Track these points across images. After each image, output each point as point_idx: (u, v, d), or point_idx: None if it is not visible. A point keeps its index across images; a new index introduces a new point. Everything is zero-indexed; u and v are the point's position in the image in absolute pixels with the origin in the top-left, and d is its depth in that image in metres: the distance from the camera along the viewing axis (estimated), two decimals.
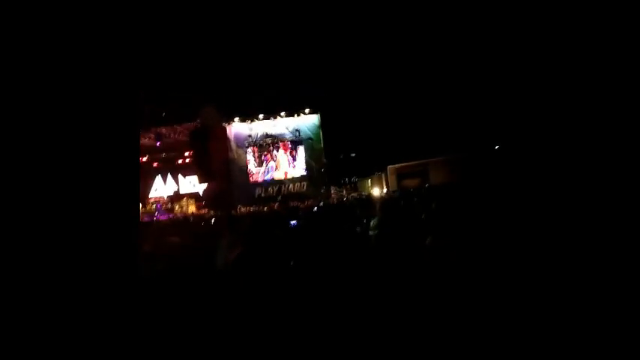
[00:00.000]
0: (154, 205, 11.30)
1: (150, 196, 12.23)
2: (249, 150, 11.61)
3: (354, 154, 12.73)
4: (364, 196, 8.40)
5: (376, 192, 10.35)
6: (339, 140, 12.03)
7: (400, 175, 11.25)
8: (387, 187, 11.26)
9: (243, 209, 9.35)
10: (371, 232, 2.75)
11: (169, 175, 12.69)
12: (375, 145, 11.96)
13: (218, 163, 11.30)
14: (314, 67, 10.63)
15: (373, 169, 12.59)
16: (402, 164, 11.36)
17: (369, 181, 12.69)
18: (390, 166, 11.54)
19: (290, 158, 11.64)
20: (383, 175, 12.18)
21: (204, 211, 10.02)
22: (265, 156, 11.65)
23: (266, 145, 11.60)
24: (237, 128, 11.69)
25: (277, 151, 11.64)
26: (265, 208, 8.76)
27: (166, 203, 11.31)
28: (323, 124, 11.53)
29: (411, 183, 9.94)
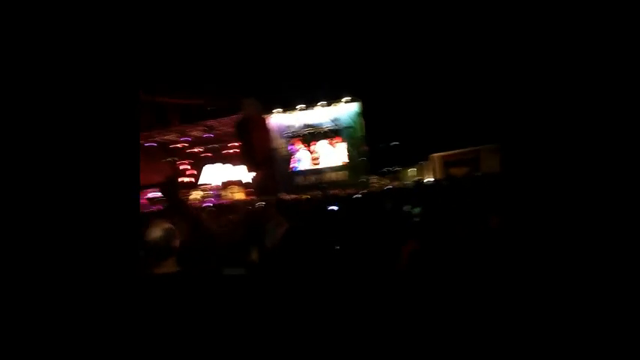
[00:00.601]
0: (205, 192, 12.24)
1: (200, 183, 13.28)
2: (290, 140, 11.89)
3: (396, 143, 12.30)
4: (409, 184, 8.13)
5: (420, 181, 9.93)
6: (380, 128, 11.69)
7: (447, 164, 10.65)
8: (433, 176, 10.74)
9: (285, 197, 9.69)
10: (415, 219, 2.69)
11: (218, 164, 13.61)
12: (420, 133, 11.39)
13: (262, 153, 11.80)
14: (354, 54, 10.38)
15: (417, 158, 12.07)
16: (450, 152, 10.71)
17: (413, 170, 12.22)
18: (435, 154, 10.96)
19: (330, 147, 11.67)
20: (428, 164, 11.63)
21: (251, 197, 10.61)
22: (305, 145, 11.84)
23: (306, 135, 11.76)
24: (277, 119, 12.01)
25: (317, 140, 11.74)
26: (306, 196, 8.97)
27: (216, 190, 12.17)
28: (364, 112, 11.30)
29: (459, 172, 9.35)
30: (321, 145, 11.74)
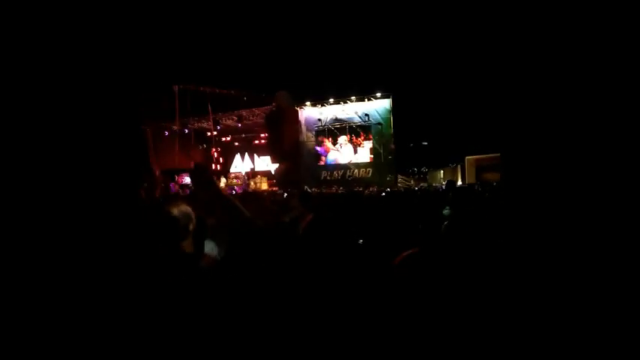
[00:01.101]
0: (234, 180, 12.72)
1: (230, 171, 13.81)
2: (319, 133, 11.94)
3: (425, 143, 11.89)
4: (438, 186, 7.86)
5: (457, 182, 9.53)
6: (410, 127, 11.37)
7: (480, 168, 10.11)
8: (463, 181, 10.27)
9: (309, 190, 9.79)
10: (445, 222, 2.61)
11: (247, 154, 14.06)
12: (452, 134, 10.91)
13: (289, 145, 11.98)
14: (388, 49, 10.12)
15: (447, 160, 11.59)
16: (484, 156, 10.15)
17: (442, 172, 11.76)
18: (468, 157, 10.45)
19: (357, 143, 11.57)
20: (459, 167, 11.13)
21: (275, 188, 10.86)
22: (333, 140, 11.83)
23: (335, 130, 11.75)
24: (308, 112, 12.09)
25: (345, 135, 11.68)
26: (329, 191, 9.01)
27: (243, 179, 12.60)
28: (394, 109, 11.03)
29: (492, 177, 8.85)
30: (348, 141, 11.67)
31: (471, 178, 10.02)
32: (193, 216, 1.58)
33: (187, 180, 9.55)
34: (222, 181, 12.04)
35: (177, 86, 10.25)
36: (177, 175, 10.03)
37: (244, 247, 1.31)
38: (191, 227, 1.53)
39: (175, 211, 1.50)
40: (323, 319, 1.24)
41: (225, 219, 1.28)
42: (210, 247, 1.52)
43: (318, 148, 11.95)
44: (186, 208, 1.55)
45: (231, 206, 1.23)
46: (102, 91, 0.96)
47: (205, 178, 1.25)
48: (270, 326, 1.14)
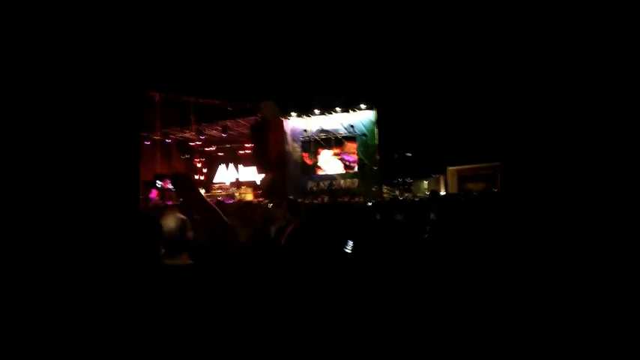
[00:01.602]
0: (219, 190, 12.43)
1: (214, 181, 13.52)
2: (304, 144, 11.95)
3: (409, 154, 12.15)
4: (423, 197, 7.97)
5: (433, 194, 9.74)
6: (394, 138, 11.59)
7: (462, 178, 10.39)
8: (446, 190, 10.51)
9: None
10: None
11: (231, 165, 13.84)
12: (435, 145, 11.21)
13: (275, 156, 11.91)
14: (373, 61, 10.40)
15: (430, 170, 11.86)
16: (466, 166, 10.46)
17: (425, 182, 12.00)
18: (450, 168, 10.73)
19: (342, 154, 11.65)
20: (442, 178, 11.40)
21: (260, 199, 10.67)
22: (318, 150, 11.87)
23: (319, 140, 11.80)
24: (293, 123, 12.12)
25: (330, 146, 11.75)
26: (315, 201, 8.95)
27: (227, 189, 12.35)
28: (379, 120, 11.25)
29: (474, 187, 9.10)
30: (332, 152, 11.74)
31: (453, 188, 10.27)
32: (189, 224, 1.52)
33: (170, 185, 9.26)
34: (202, 192, 11.72)
35: (157, 94, 10.02)
36: (162, 181, 9.70)
37: (223, 251, 1.26)
38: (189, 235, 1.47)
39: (171, 222, 1.43)
40: (304, 324, 1.19)
41: (206, 223, 1.23)
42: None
43: (309, 159, 11.91)
44: (181, 216, 1.49)
45: (211, 211, 1.19)
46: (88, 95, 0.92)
47: (186, 184, 1.21)
48: (251, 329, 1.08)
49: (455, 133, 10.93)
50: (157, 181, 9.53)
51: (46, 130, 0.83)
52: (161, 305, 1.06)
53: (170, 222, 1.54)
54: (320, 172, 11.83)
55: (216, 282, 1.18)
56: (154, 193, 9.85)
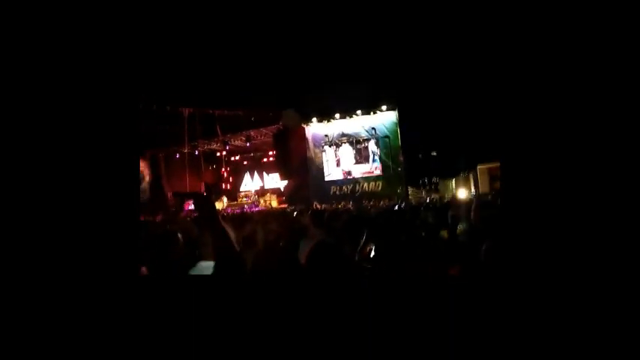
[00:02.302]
0: (245, 199, 12.80)
1: (240, 190, 13.94)
2: (325, 149, 11.97)
3: (434, 153, 11.70)
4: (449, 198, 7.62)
5: (462, 194, 9.31)
6: (418, 138, 11.23)
7: (494, 177, 9.82)
8: (477, 190, 9.97)
9: (318, 206, 9.71)
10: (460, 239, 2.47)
11: (256, 173, 14.20)
12: (462, 142, 10.70)
13: (297, 162, 12.04)
14: (392, 61, 10.20)
15: (459, 169, 11.32)
16: (497, 164, 9.86)
17: (453, 181, 11.47)
18: (481, 166, 10.18)
19: (365, 157, 11.50)
20: (471, 176, 10.84)
21: (284, 205, 10.82)
22: (339, 155, 11.82)
23: (340, 144, 11.76)
24: (314, 128, 12.20)
25: (352, 149, 11.65)
26: (340, 206, 8.89)
27: (253, 197, 12.66)
28: (401, 121, 10.98)
29: None
30: (355, 155, 11.62)
31: (484, 187, 9.72)
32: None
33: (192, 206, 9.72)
34: (225, 201, 12.08)
35: (186, 109, 10.57)
36: (185, 202, 10.22)
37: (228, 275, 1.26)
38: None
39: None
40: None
41: (214, 244, 1.24)
42: (201, 268, 1.47)
43: (331, 163, 11.88)
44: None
45: (221, 235, 1.19)
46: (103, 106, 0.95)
47: (205, 206, 1.23)
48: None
49: (485, 128, 10.37)
50: (183, 200, 10.03)
51: (44, 131, 0.85)
52: (159, 314, 1.06)
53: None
54: (343, 172, 11.74)
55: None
56: (187, 205, 10.32)
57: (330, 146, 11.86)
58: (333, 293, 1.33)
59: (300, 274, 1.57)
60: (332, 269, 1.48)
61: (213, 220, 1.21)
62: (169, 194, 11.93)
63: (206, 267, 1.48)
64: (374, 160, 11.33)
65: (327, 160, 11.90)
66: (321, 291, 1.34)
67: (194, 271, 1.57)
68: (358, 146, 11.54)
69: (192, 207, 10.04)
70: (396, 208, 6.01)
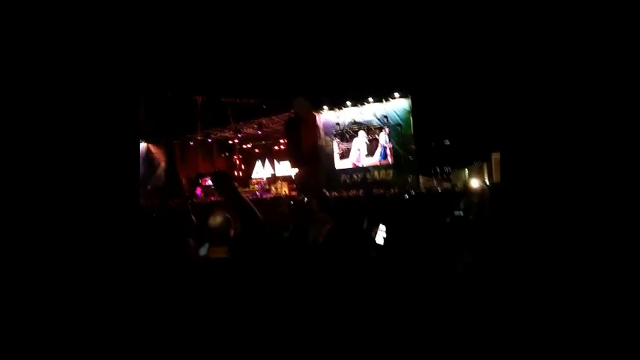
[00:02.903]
0: (256, 186, 13.02)
1: (252, 177, 14.17)
2: (336, 137, 11.93)
3: (447, 142, 11.47)
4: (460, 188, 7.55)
5: (475, 184, 9.15)
6: (431, 126, 11.03)
7: None
8: (491, 179, 9.79)
9: (328, 194, 9.79)
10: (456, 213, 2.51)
11: (267, 160, 14.36)
12: (476, 130, 10.45)
13: (308, 150, 12.07)
14: (405, 48, 9.93)
15: (472, 158, 11.11)
16: None
17: (466, 171, 11.29)
18: (495, 155, 9.94)
19: (376, 145, 11.42)
20: (485, 165, 10.62)
21: (295, 193, 10.97)
22: (350, 143, 11.77)
23: (352, 132, 11.68)
24: (325, 116, 12.13)
25: (363, 137, 11.58)
26: (349, 194, 8.95)
27: (265, 184, 12.87)
28: (414, 109, 10.77)
29: None
30: (366, 143, 11.55)
31: (497, 177, 9.52)
32: (232, 222, 1.66)
33: (210, 182, 10.01)
34: (239, 189, 12.30)
35: (200, 97, 10.70)
36: (201, 179, 10.50)
37: (257, 252, 1.34)
38: (231, 232, 1.62)
39: (218, 219, 1.58)
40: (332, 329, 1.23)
41: (240, 218, 1.32)
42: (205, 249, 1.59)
43: (342, 151, 11.87)
44: (227, 215, 1.64)
45: (248, 210, 1.27)
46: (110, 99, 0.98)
47: (225, 182, 1.31)
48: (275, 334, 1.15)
49: (500, 115, 10.04)
50: (199, 180, 10.32)
51: (43, 122, 0.85)
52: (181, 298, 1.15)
53: (217, 219, 1.69)
54: (353, 163, 11.74)
55: (247, 275, 1.25)
56: (198, 191, 10.63)
57: (341, 137, 11.81)
58: (349, 268, 1.40)
59: (311, 253, 1.65)
60: (350, 246, 1.55)
61: (234, 192, 1.29)
62: (184, 180, 12.28)
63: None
64: (382, 154, 11.21)
65: (337, 151, 11.89)
66: (337, 267, 1.42)
67: (204, 249, 1.70)
68: (369, 136, 11.43)
69: (206, 187, 10.31)
70: (407, 196, 6.03)
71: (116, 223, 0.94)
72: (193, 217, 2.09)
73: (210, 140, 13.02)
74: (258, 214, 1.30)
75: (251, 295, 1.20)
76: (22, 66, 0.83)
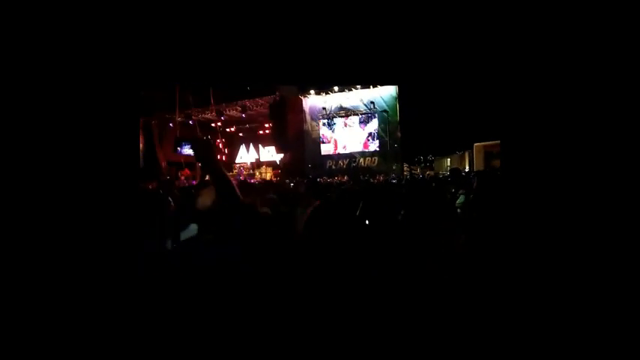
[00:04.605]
0: (238, 170, 12.76)
1: (235, 162, 13.83)
2: (323, 122, 11.79)
3: (432, 130, 11.66)
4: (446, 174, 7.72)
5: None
6: (417, 114, 11.11)
7: (489, 155, 9.89)
8: (472, 168, 10.09)
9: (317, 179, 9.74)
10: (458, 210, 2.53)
11: (251, 145, 14.03)
12: (460, 120, 10.65)
13: (293, 135, 11.88)
14: (392, 33, 9.79)
15: (454, 147, 11.37)
16: (493, 142, 9.90)
17: (449, 160, 11.57)
18: (477, 144, 10.21)
19: (362, 131, 11.40)
20: (466, 154, 10.91)
21: (278, 178, 10.83)
22: (336, 128, 11.68)
23: (338, 118, 11.58)
24: (312, 101, 11.92)
25: (349, 123, 11.51)
26: (335, 179, 8.95)
27: (248, 169, 12.62)
28: (400, 95, 10.78)
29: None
30: (353, 129, 11.51)
31: (479, 165, 9.82)
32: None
33: (188, 151, 9.64)
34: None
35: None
36: (180, 146, 10.08)
37: (235, 229, 1.26)
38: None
39: (208, 200, 1.44)
40: (321, 315, 1.20)
41: (218, 191, 1.21)
42: (192, 229, 1.50)
43: (328, 137, 11.76)
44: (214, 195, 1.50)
45: (227, 184, 1.18)
46: (101, 86, 0.92)
47: (207, 149, 1.20)
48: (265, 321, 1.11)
49: (482, 107, 10.27)
50: (177, 148, 9.90)
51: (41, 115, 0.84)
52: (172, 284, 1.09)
53: (206, 200, 1.52)
54: (338, 150, 11.71)
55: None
56: (181, 179, 10.22)
57: (327, 121, 11.69)
58: (333, 253, 1.36)
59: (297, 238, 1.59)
60: (331, 231, 1.51)
61: (214, 163, 1.19)
62: (163, 163, 11.79)
63: (194, 228, 1.49)
64: (368, 140, 11.23)
65: (323, 135, 11.78)
66: (320, 251, 1.38)
67: (185, 233, 1.60)
68: (356, 122, 11.38)
69: (186, 152, 9.93)
70: (395, 181, 6.09)
71: (114, 213, 0.93)
72: (171, 200, 1.95)
73: (191, 122, 12.49)
74: (237, 190, 1.21)
75: (238, 286, 1.14)
76: (20, 63, 0.82)
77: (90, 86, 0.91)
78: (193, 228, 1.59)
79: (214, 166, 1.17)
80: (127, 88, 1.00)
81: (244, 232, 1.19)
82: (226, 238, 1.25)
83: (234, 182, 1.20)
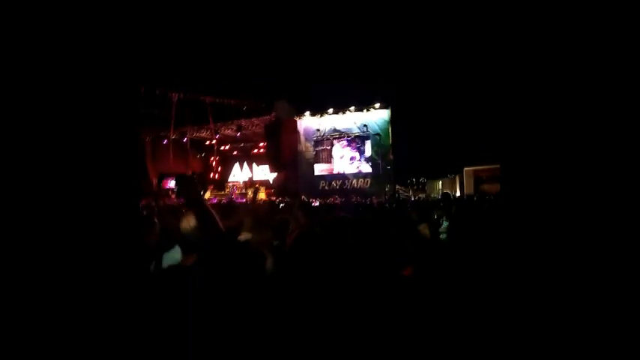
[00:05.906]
0: (231, 189, 12.66)
1: (229, 180, 13.76)
2: (316, 143, 11.94)
3: (424, 153, 11.89)
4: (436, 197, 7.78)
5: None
6: (409, 137, 11.37)
7: (479, 179, 10.08)
8: (462, 192, 10.22)
9: (306, 200, 9.70)
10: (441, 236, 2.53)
11: (245, 163, 14.04)
12: (451, 145, 10.91)
13: (288, 155, 11.96)
14: (387, 59, 10.22)
15: (446, 171, 11.57)
16: (483, 167, 10.12)
17: (440, 183, 11.72)
18: (467, 168, 10.43)
19: (355, 154, 11.55)
20: (457, 178, 11.10)
21: (272, 198, 10.76)
22: (330, 150, 11.82)
23: (332, 140, 11.76)
24: (307, 122, 12.13)
25: (343, 145, 11.68)
26: (328, 201, 8.93)
27: (241, 188, 12.54)
28: (393, 120, 11.06)
29: (491, 188, 8.80)
30: (345, 151, 11.66)
31: (469, 189, 9.97)
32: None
33: (172, 184, 9.48)
34: (208, 194, 11.91)
35: (176, 94, 10.29)
36: (163, 180, 9.97)
37: (215, 260, 1.25)
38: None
39: (188, 224, 1.43)
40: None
41: (200, 226, 1.22)
42: (175, 254, 1.45)
43: (322, 158, 11.85)
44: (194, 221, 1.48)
45: (209, 219, 1.18)
46: (99, 94, 0.92)
47: (189, 187, 1.21)
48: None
49: (472, 132, 10.59)
50: (161, 181, 9.82)
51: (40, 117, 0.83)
52: (157, 305, 1.07)
53: (191, 222, 1.50)
54: (334, 172, 11.78)
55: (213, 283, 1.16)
56: (165, 183, 10.08)
57: (321, 143, 11.84)
58: (314, 277, 1.34)
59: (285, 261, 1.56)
60: (315, 256, 1.49)
61: (198, 201, 1.20)
62: (154, 180, 11.65)
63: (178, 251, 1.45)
64: (361, 163, 11.36)
65: (317, 156, 11.89)
66: (303, 275, 1.35)
67: (169, 255, 1.54)
68: (349, 144, 11.56)
69: (170, 186, 9.78)
70: (387, 205, 6.11)
71: (115, 219, 0.91)
72: (156, 220, 1.90)
73: (185, 140, 12.50)
74: (220, 223, 1.22)
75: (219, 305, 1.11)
76: (20, 62, 0.80)
77: (88, 94, 0.90)
78: (177, 251, 1.54)
79: (197, 203, 1.20)
80: (127, 100, 1.00)
81: (220, 262, 1.18)
82: (206, 264, 1.23)
83: (216, 216, 1.21)
